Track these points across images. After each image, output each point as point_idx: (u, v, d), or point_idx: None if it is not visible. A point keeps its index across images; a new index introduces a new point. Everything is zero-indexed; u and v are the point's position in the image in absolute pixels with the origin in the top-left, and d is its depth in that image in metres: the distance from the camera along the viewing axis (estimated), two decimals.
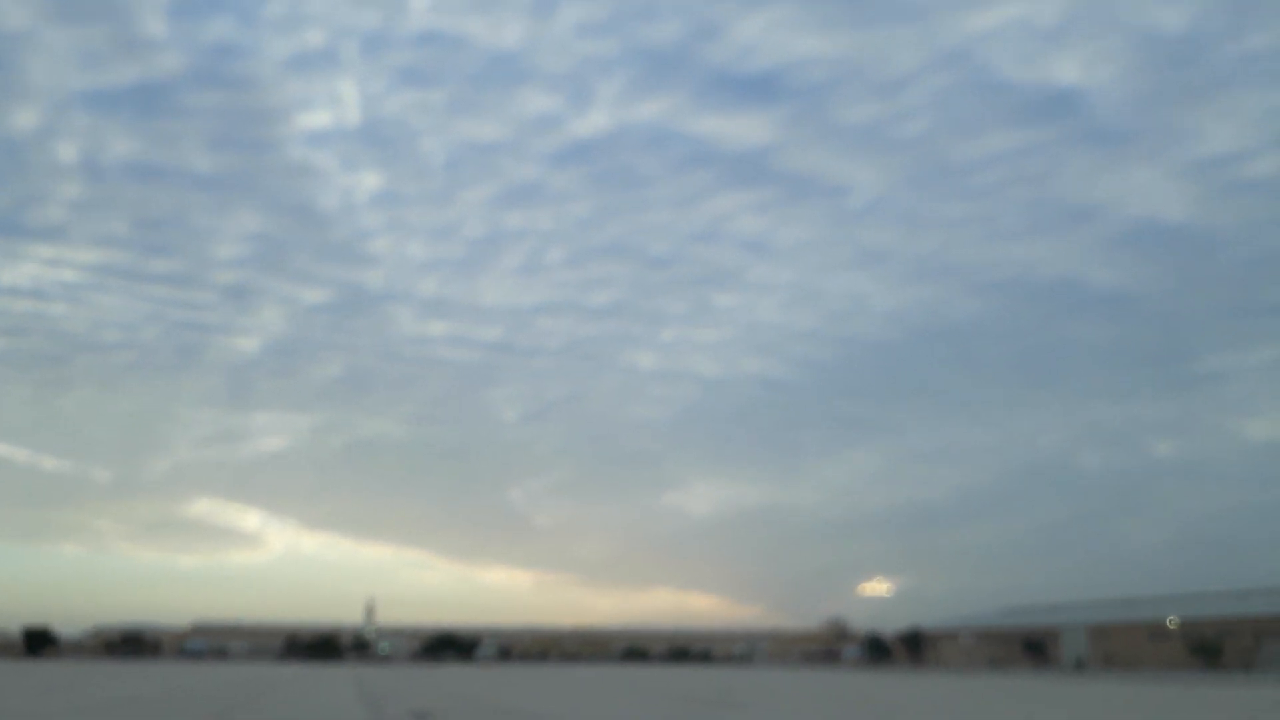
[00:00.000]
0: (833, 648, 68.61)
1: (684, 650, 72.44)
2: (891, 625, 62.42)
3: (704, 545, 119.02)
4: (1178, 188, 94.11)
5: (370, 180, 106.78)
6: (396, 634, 76.56)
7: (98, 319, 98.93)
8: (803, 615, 76.97)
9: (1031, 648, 49.72)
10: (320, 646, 62.31)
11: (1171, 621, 43.21)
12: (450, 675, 32.70)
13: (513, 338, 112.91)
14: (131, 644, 62.57)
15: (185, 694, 15.34)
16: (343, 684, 21.37)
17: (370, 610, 77.30)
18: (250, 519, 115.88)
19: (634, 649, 72.95)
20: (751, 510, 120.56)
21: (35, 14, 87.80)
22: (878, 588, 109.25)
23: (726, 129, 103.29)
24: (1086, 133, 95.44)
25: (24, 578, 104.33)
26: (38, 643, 55.80)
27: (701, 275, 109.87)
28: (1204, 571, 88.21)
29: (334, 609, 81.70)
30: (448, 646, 64.97)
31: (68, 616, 71.86)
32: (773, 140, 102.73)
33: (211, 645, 68.10)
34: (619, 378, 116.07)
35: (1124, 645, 45.97)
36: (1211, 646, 39.68)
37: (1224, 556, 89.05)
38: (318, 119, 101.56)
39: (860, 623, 70.29)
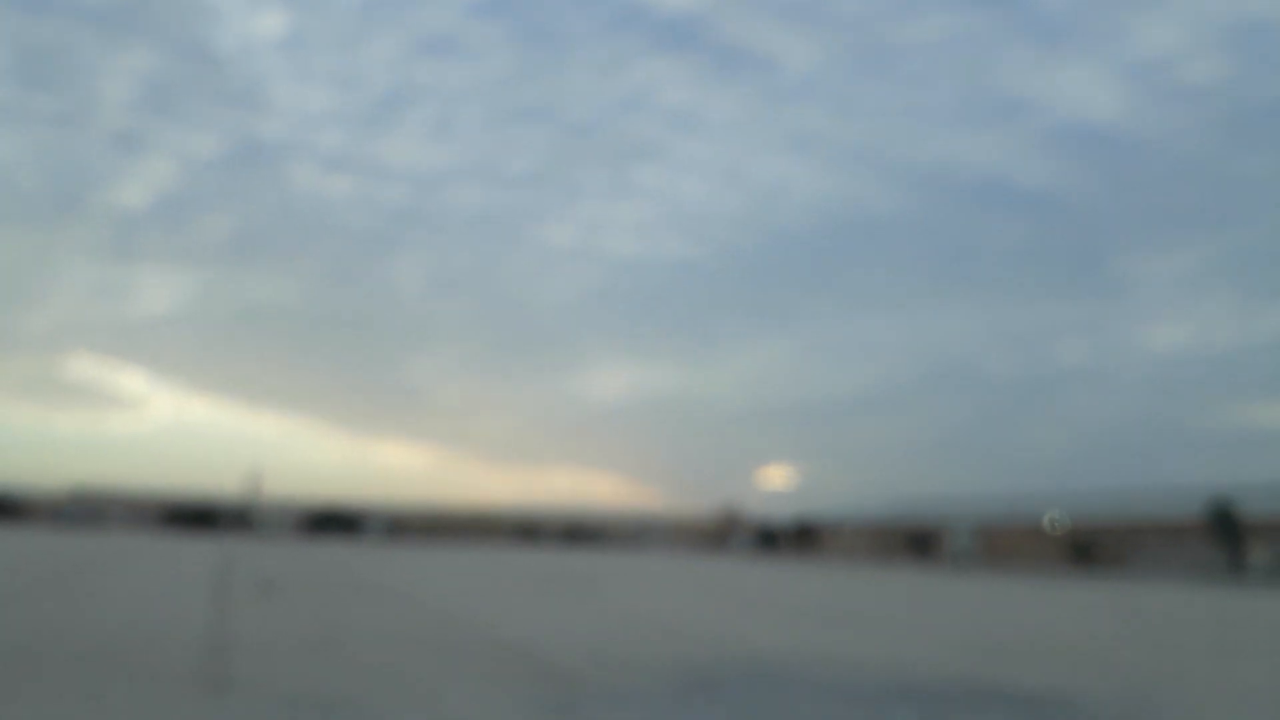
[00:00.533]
0: (723, 534, 69.19)
1: (577, 531, 72.33)
2: (791, 516, 62.90)
3: (610, 429, 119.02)
4: (1112, 87, 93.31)
5: (272, 21, 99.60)
6: (281, 507, 74.75)
7: None
8: (705, 502, 77.40)
9: (917, 542, 50.36)
10: (197, 517, 60.24)
11: (1051, 520, 43.92)
12: (323, 550, 31.27)
13: (420, 203, 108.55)
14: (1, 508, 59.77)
15: (42, 556, 14.03)
16: (204, 554, 20.01)
17: (254, 481, 75.19)
18: (134, 380, 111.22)
19: (525, 528, 72.59)
20: (661, 395, 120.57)
21: None
22: (777, 477, 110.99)
23: None
24: (1027, 22, 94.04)
25: None
26: None
27: (624, 147, 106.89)
28: (1102, 477, 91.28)
29: (220, 478, 79.31)
30: (333, 522, 63.50)
31: None
32: (708, 4, 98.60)
33: (88, 511, 65.47)
34: (531, 252, 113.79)
35: (1007, 543, 46.73)
36: (1086, 546, 40.42)
37: (1123, 462, 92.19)
38: None
39: (760, 512, 70.93)
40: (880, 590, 15.39)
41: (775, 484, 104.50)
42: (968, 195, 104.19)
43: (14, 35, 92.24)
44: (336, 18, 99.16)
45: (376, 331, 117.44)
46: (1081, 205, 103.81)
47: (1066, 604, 13.35)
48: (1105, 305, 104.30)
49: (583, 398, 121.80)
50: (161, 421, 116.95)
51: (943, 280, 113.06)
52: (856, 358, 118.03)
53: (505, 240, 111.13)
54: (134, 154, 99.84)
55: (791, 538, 60.02)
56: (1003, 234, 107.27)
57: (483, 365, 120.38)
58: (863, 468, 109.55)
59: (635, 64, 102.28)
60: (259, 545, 34.04)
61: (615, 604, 8.77)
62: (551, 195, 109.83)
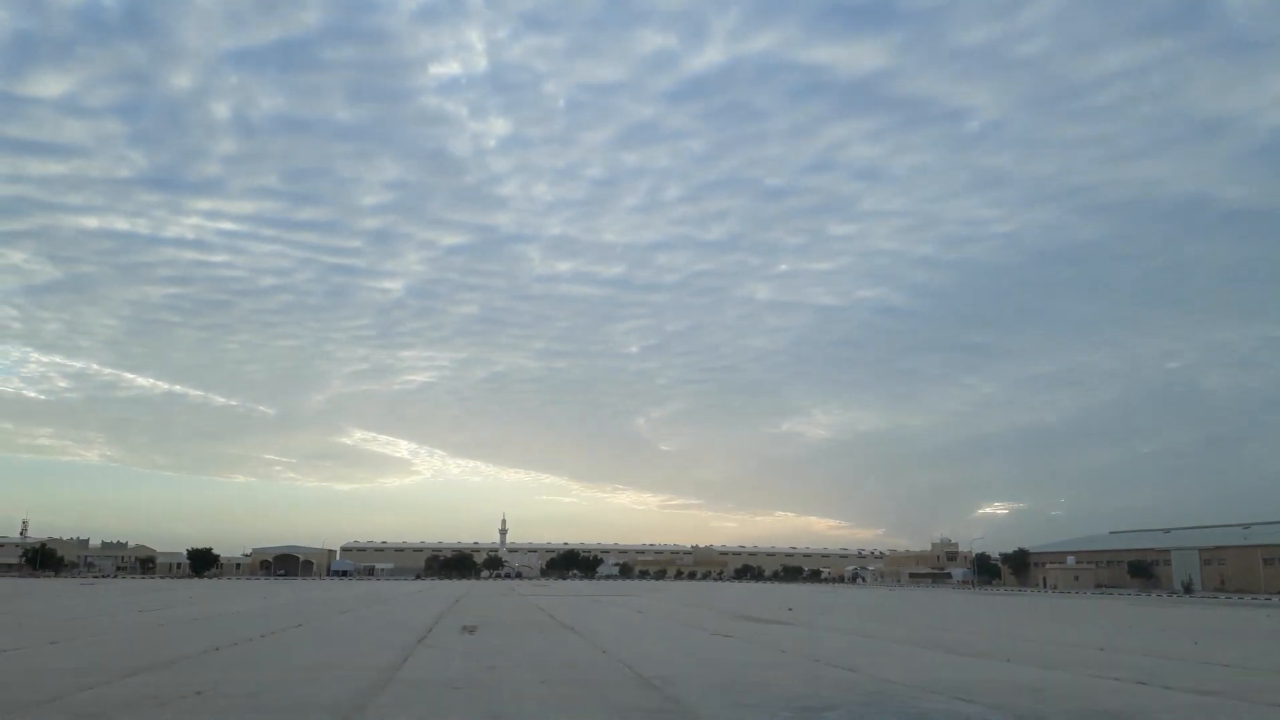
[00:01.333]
0: (940, 568, 69.95)
1: (796, 570, 74.98)
2: (1008, 548, 63.12)
3: (822, 470, 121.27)
4: None
5: (498, 125, 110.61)
6: (529, 551, 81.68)
7: (255, 265, 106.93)
8: (919, 538, 78.40)
9: (1138, 570, 50.06)
10: (456, 564, 67.32)
11: None
12: (555, 588, 35.53)
13: (633, 273, 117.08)
14: (283, 563, 69.00)
15: (287, 607, 18.05)
16: (443, 597, 24.10)
17: (503, 530, 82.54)
18: (400, 448, 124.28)
19: (748, 567, 75.90)
20: (869, 436, 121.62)
21: None
22: (994, 510, 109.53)
23: (839, 57, 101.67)
24: (1218, 42, 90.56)
25: (198, 505, 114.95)
26: (201, 563, 62.23)
27: (816, 205, 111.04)
28: None
29: (475, 530, 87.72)
30: (572, 563, 69.15)
31: (237, 541, 79.47)
32: (886, 66, 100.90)
33: (359, 564, 74.27)
34: (736, 309, 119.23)
35: (1237, 569, 45.95)
36: None
37: None
38: (448, 68, 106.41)
39: (978, 545, 71.41)
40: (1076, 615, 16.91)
41: (994, 515, 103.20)
42: (1170, 216, 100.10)
43: (282, 158, 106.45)
44: (552, 117, 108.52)
45: (603, 391, 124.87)
46: None
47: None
48: None
49: (793, 441, 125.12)
50: (425, 481, 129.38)
51: (1151, 302, 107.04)
52: (1066, 387, 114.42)
53: (712, 300, 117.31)
54: (390, 251, 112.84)
55: (1009, 568, 60.38)
56: (1212, 252, 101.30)
57: (699, 416, 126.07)
58: (1080, 496, 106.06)
59: (822, 128, 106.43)
60: (496, 585, 38.76)
61: (776, 636, 10.99)
62: (752, 255, 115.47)
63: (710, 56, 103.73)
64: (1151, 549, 52.06)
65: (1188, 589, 43.95)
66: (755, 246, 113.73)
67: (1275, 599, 35.08)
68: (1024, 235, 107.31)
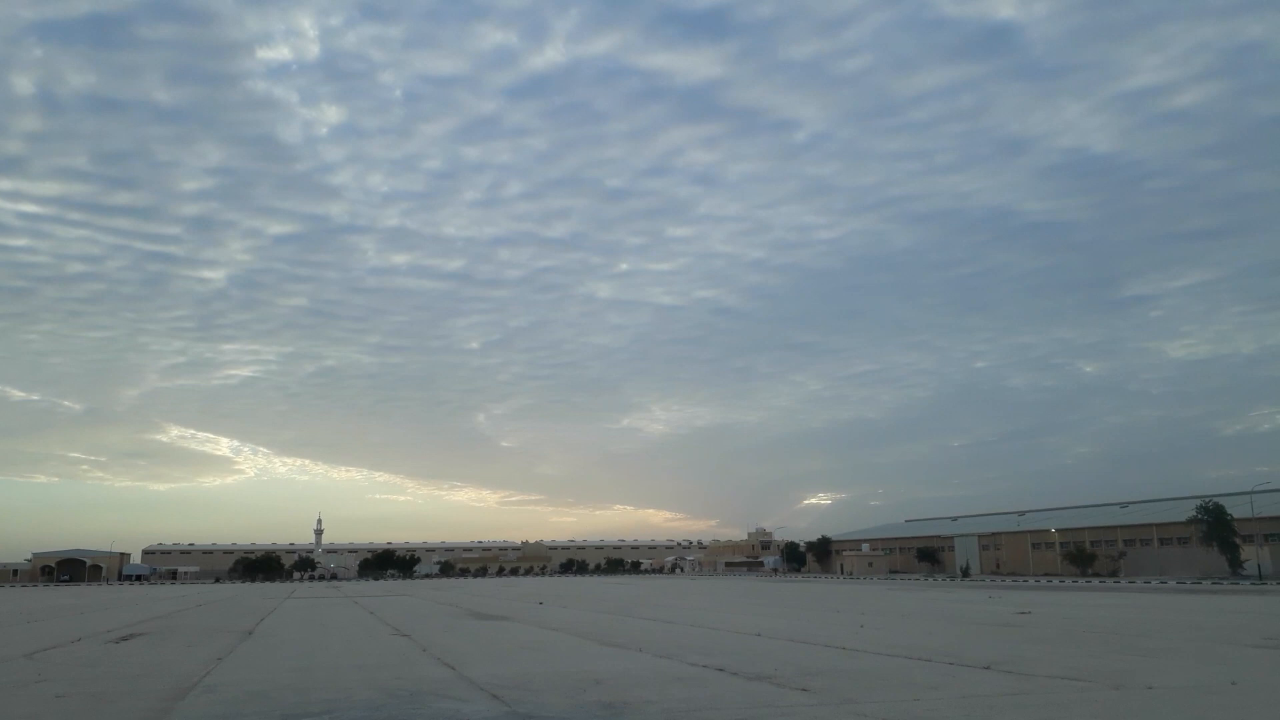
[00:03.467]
0: (755, 557, 72.23)
1: (619, 562, 75.93)
2: (826, 535, 65.63)
3: (660, 464, 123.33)
4: (1106, 120, 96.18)
5: (331, 113, 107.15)
6: (349, 552, 79.43)
7: (61, 251, 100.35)
8: (749, 528, 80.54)
9: (926, 556, 53.07)
10: (262, 565, 64.84)
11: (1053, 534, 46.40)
12: (354, 589, 34.90)
13: (474, 269, 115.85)
14: (68, 568, 64.55)
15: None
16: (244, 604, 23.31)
17: (318, 530, 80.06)
18: (221, 445, 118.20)
19: (573, 561, 76.34)
20: (705, 430, 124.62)
21: None
22: (818, 501, 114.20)
23: (678, 64, 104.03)
24: (1020, 68, 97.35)
25: (4, 506, 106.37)
26: None
27: (655, 208, 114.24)
28: (1126, 483, 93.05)
29: (298, 531, 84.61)
30: (388, 563, 67.78)
31: (31, 545, 73.87)
32: (722, 75, 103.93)
33: (161, 567, 70.50)
34: (579, 306, 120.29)
35: (1010, 554, 49.30)
36: (1084, 554, 42.87)
37: (1146, 469, 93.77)
38: (278, 52, 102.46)
39: (791, 534, 73.95)
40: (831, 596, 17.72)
41: (816, 505, 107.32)
42: (978, 228, 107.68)
43: (93, 139, 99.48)
44: (389, 108, 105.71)
45: (443, 387, 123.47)
46: (1087, 230, 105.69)
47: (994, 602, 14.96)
48: (1118, 322, 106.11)
49: (633, 437, 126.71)
50: (248, 480, 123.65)
51: (962, 308, 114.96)
52: (885, 385, 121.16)
53: (554, 298, 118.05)
54: (212, 239, 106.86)
55: (813, 555, 62.90)
56: (1015, 263, 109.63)
57: (541, 411, 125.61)
58: (896, 486, 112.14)
59: (661, 132, 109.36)
60: (293, 585, 37.71)
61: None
62: (593, 254, 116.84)
63: (551, 56, 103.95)
64: (938, 536, 55.27)
65: (965, 572, 46.85)
66: (597, 246, 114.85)
67: (1039, 580, 37.80)
68: (847, 242, 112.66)
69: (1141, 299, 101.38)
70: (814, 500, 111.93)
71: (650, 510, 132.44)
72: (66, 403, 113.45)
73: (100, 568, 65.60)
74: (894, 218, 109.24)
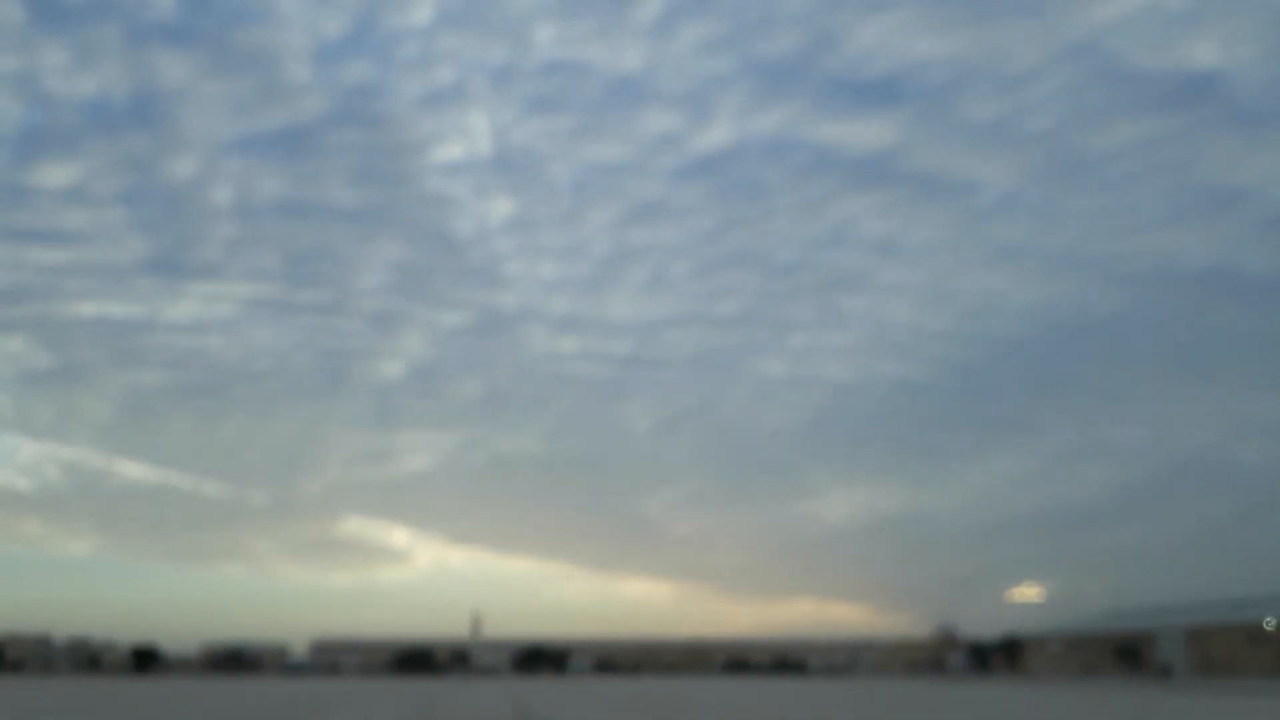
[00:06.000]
0: (938, 656, 66.26)
1: (783, 662, 71.44)
2: (1028, 630, 59.32)
3: (843, 554, 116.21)
4: None
5: (502, 206, 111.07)
6: (508, 646, 78.26)
7: (251, 349, 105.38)
8: (939, 623, 74.07)
9: (1124, 653, 46.81)
10: (416, 660, 64.45)
11: (1269, 624, 39.88)
12: (482, 689, 33.40)
13: (641, 350, 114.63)
14: (233, 661, 66.30)
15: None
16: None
17: (475, 624, 79.45)
18: (398, 536, 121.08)
19: (734, 660, 72.43)
20: (891, 516, 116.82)
21: (191, 70, 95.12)
22: (1026, 593, 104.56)
23: (848, 134, 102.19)
24: (1228, 116, 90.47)
25: (193, 597, 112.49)
26: (143, 661, 59.84)
27: (828, 279, 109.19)
28: None
29: (465, 623, 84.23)
30: (539, 660, 66.14)
31: (208, 635, 76.73)
32: (897, 142, 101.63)
33: (325, 660, 71.45)
34: (749, 385, 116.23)
35: (1222, 649, 42.74)
36: None
37: None
38: (451, 151, 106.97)
39: (1005, 629, 67.45)
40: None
41: (1027, 598, 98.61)
42: (1191, 287, 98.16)
43: (283, 241, 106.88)
44: (557, 197, 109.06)
45: (612, 472, 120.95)
46: None
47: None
48: None
49: (812, 523, 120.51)
50: (423, 571, 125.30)
51: (1179, 374, 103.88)
52: (1094, 461, 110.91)
53: (723, 377, 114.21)
54: (390, 332, 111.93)
55: (1002, 655, 56.93)
56: (1236, 322, 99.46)
57: (712, 497, 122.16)
58: (1113, 573, 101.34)
59: (832, 203, 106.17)
60: (455, 687, 36.53)
61: None
62: (762, 330, 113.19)
63: (716, 136, 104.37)
64: (1139, 631, 48.80)
65: (1166, 672, 40.76)
66: (766, 321, 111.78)
67: (1259, 681, 32.12)
68: (1044, 307, 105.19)
69: None
70: (1018, 591, 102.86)
71: (834, 603, 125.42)
72: (254, 495, 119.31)
73: (261, 661, 67.09)
74: (1095, 280, 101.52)
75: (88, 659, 65.61)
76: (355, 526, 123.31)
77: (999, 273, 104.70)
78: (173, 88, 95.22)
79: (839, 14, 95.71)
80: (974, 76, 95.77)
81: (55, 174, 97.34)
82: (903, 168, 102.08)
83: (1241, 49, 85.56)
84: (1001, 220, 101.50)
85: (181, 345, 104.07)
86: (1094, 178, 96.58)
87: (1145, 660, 46.16)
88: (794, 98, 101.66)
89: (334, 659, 73.08)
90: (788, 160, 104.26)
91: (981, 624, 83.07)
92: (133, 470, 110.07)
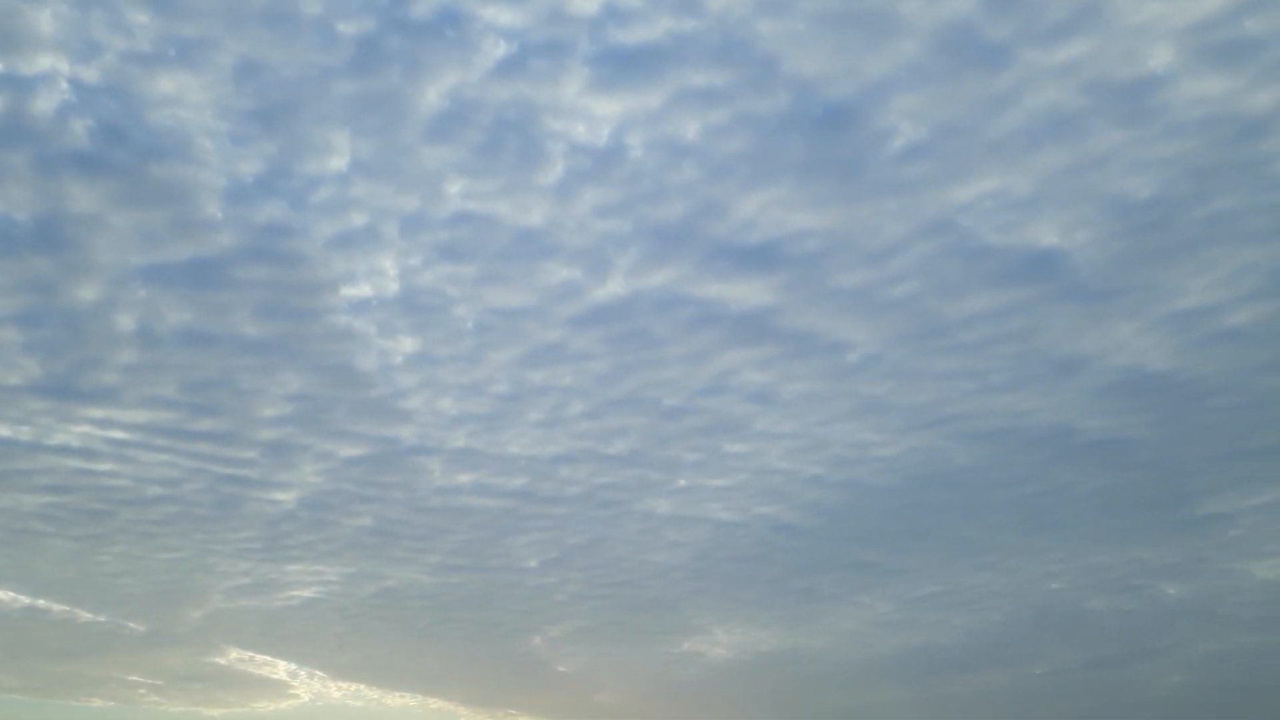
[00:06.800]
0: None
1: None
2: None
3: (724, 692, 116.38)
4: (1159, 339, 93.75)
5: (406, 344, 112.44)
6: None
7: (142, 475, 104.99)
8: None
9: None
10: None
11: None
12: None
13: (535, 486, 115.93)
14: None
15: None
16: None
17: None
18: (279, 668, 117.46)
19: None
20: (770, 655, 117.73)
21: (103, 199, 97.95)
22: None
23: (731, 293, 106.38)
24: (1068, 291, 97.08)
25: None
26: None
27: (712, 424, 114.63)
28: (1225, 716, 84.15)
29: None
30: None
31: None
32: (775, 302, 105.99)
33: None
34: (637, 523, 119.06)
35: None
36: None
37: (1249, 700, 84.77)
38: (360, 290, 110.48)
39: None
40: None
41: None
42: (1036, 446, 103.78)
43: (184, 370, 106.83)
44: (461, 338, 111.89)
45: (500, 608, 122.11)
46: (1154, 450, 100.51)
47: None
48: (1197, 541, 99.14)
49: (695, 662, 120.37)
50: (303, 705, 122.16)
51: (1030, 527, 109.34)
52: (957, 608, 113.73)
53: (612, 514, 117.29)
54: (285, 463, 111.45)
55: None
56: (1081, 481, 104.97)
57: (599, 633, 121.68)
58: (972, 718, 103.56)
59: (716, 355, 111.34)
60: None
61: None
62: (651, 470, 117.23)
63: (612, 289, 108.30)
64: None
65: None
66: (655, 462, 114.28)
67: None
68: (906, 459, 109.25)
69: (1219, 517, 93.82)
70: None
71: None
72: (131, 624, 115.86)
73: None
74: (951, 435, 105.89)
75: None
76: (235, 658, 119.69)
77: (865, 424, 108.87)
78: (81, 215, 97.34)
79: (723, 186, 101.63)
80: (843, 247, 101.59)
81: None
82: (780, 325, 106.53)
83: (1079, 233, 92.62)
84: (867, 377, 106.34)
85: (68, 468, 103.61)
86: (949, 342, 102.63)
87: None
88: (682, 258, 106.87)
89: None
90: (676, 314, 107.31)
91: None
92: (1, 597, 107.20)
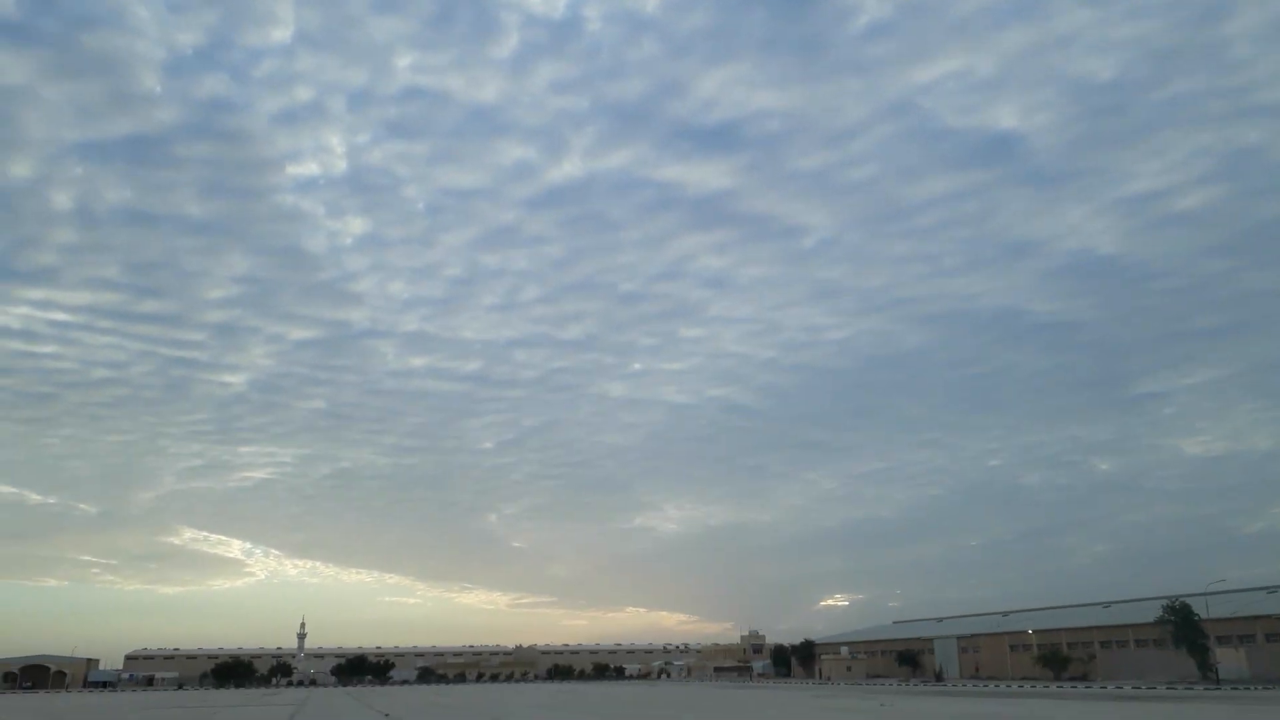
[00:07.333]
0: (747, 661, 69.74)
1: (604, 667, 73.77)
2: (832, 637, 63.10)
3: (673, 565, 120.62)
4: (1109, 223, 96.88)
5: (355, 225, 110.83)
6: (336, 656, 77.77)
7: (87, 358, 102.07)
8: (746, 630, 77.71)
9: (906, 660, 50.92)
10: (234, 671, 63.59)
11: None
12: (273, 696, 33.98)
13: (490, 370, 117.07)
14: (31, 674, 63.44)
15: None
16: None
17: (301, 634, 78.77)
18: (233, 547, 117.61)
19: (557, 667, 74.26)
20: (718, 530, 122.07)
21: (33, 71, 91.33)
22: (834, 602, 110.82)
23: (690, 175, 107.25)
24: (1024, 174, 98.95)
25: (6, 611, 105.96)
26: None
27: (668, 310, 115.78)
28: (1146, 583, 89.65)
29: (294, 636, 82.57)
30: (360, 669, 66.25)
31: (36, 648, 72.66)
32: (732, 185, 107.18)
33: (140, 673, 69.41)
34: (591, 406, 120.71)
35: (989, 656, 47.18)
36: (1059, 657, 40.87)
37: (1165, 567, 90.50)
38: (306, 168, 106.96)
39: (783, 637, 71.33)
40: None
41: (824, 606, 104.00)
42: (984, 328, 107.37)
43: (125, 250, 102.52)
44: (412, 219, 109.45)
45: (456, 488, 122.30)
46: (1095, 330, 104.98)
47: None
48: (1131, 419, 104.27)
49: (645, 537, 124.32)
50: (259, 582, 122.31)
51: (972, 407, 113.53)
52: (897, 483, 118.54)
53: (568, 398, 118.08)
54: (234, 345, 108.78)
55: (797, 659, 60.62)
56: (1024, 362, 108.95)
57: (553, 511, 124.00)
58: (910, 587, 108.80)
59: (673, 239, 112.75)
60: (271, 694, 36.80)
61: None
62: (606, 355, 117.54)
63: (568, 170, 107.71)
64: (920, 638, 53.12)
65: (939, 677, 44.79)
66: (610, 347, 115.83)
67: (1012, 685, 35.96)
68: (857, 342, 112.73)
69: (1153, 396, 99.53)
70: (830, 601, 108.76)
71: (663, 613, 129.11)
72: (82, 506, 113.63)
73: (65, 674, 64.41)
74: (903, 318, 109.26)
75: None
76: (189, 538, 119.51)
77: (819, 308, 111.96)
78: (11, 87, 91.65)
79: (683, 63, 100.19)
80: (804, 128, 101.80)
81: None
82: (738, 209, 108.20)
83: (1038, 115, 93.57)
84: (823, 261, 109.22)
85: (9, 350, 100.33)
86: (905, 226, 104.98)
87: (923, 665, 50.37)
88: (641, 139, 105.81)
89: (150, 671, 71.00)
90: (634, 197, 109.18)
91: (789, 631, 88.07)
92: None
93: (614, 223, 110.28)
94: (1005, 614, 52.51)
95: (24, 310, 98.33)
